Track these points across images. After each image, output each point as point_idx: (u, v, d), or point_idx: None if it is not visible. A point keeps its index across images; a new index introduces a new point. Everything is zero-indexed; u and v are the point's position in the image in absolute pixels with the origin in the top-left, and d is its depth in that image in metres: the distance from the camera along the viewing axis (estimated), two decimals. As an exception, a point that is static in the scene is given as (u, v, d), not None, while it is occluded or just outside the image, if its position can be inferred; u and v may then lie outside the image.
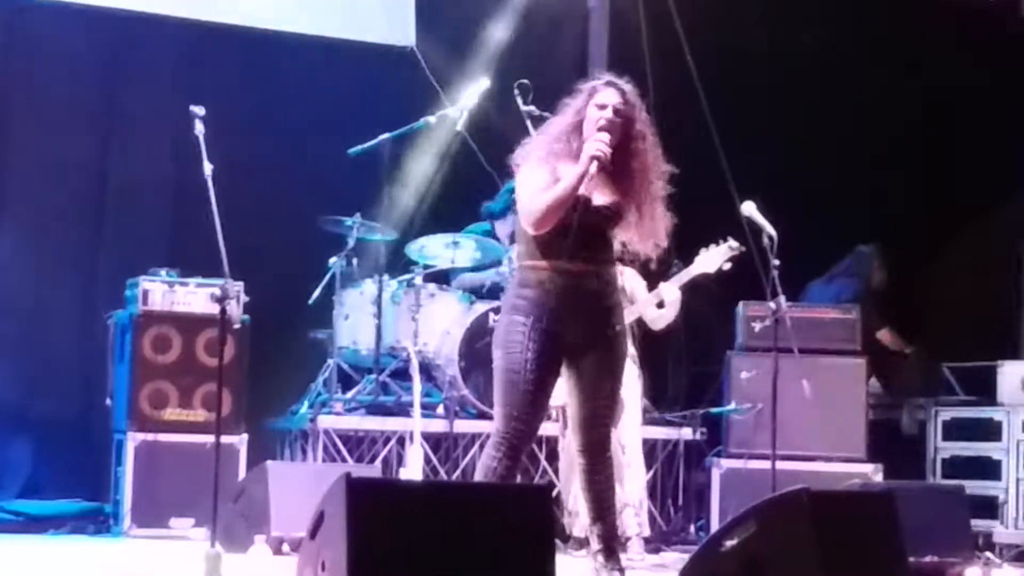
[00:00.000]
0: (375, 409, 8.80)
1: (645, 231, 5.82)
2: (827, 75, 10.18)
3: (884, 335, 10.01)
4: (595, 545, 5.90)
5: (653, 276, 8.36)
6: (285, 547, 7.19)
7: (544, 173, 5.70)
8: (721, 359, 9.06)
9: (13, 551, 7.39)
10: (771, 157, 9.87)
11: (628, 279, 7.66)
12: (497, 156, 9.62)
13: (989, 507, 8.84)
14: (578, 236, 5.61)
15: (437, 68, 9.75)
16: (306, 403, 8.92)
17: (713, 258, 7.53)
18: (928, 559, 6.97)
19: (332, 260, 8.97)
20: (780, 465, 7.15)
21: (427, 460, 8.50)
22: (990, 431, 9.12)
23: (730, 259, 7.52)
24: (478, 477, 5.81)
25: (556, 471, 8.36)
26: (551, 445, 8.47)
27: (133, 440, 8.29)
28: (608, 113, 5.72)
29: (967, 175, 10.25)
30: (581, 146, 5.71)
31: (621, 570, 5.85)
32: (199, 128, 6.29)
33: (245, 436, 8.42)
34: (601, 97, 5.77)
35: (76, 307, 9.32)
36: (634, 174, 5.77)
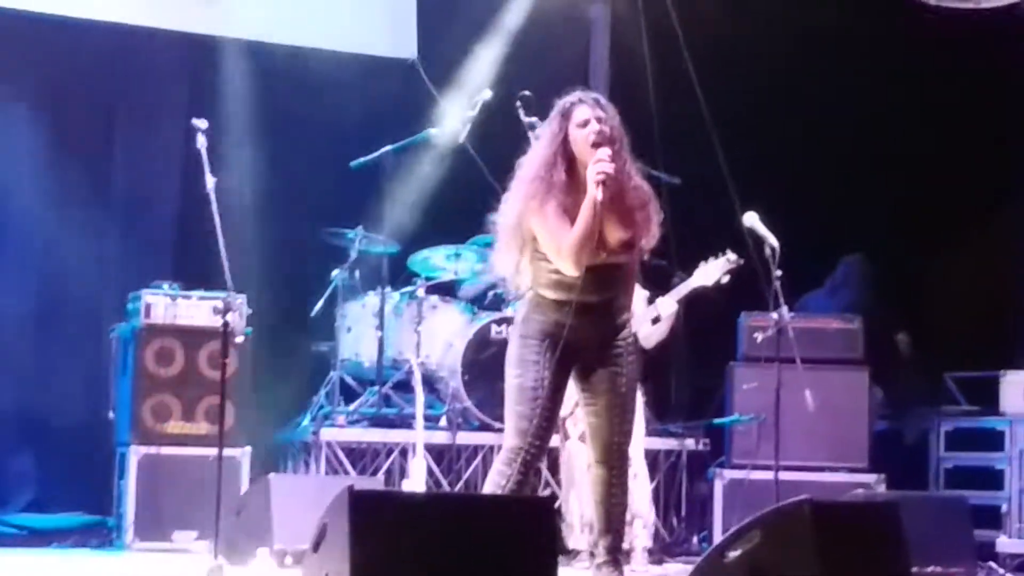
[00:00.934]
0: (378, 421, 8.81)
1: (648, 232, 5.82)
2: (828, 81, 10.17)
3: (903, 337, 10.02)
4: (600, 556, 5.89)
5: (655, 288, 8.37)
6: (288, 560, 7.17)
7: (555, 212, 5.68)
8: (723, 370, 9.06)
9: (16, 565, 7.39)
10: (774, 164, 9.87)
11: None
12: (500, 167, 9.69)
13: (992, 517, 8.82)
14: (593, 271, 5.65)
15: (439, 80, 9.75)
16: (309, 415, 8.93)
17: (711, 271, 7.53)
18: (931, 569, 6.97)
19: (334, 272, 8.98)
20: (783, 475, 7.16)
21: (430, 472, 8.49)
22: (993, 441, 9.11)
23: (728, 272, 7.52)
24: (487, 489, 5.80)
25: (559, 482, 8.34)
26: (552, 456, 8.46)
27: (136, 453, 8.29)
28: (595, 126, 5.71)
29: (971, 182, 10.24)
30: (571, 171, 5.71)
31: (625, 582, 5.86)
32: (201, 141, 6.30)
33: (248, 449, 8.42)
34: (579, 115, 5.75)
35: (79, 320, 9.33)
36: (623, 181, 5.76)
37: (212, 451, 7.43)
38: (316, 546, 4.99)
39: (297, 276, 9.23)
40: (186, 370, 8.44)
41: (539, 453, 5.77)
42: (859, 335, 9.10)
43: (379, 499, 5.45)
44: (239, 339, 8.15)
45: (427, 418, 8.54)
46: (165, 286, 8.60)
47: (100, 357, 8.91)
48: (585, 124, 5.72)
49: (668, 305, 7.69)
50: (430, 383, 8.94)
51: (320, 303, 8.94)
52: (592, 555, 6.01)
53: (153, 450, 8.31)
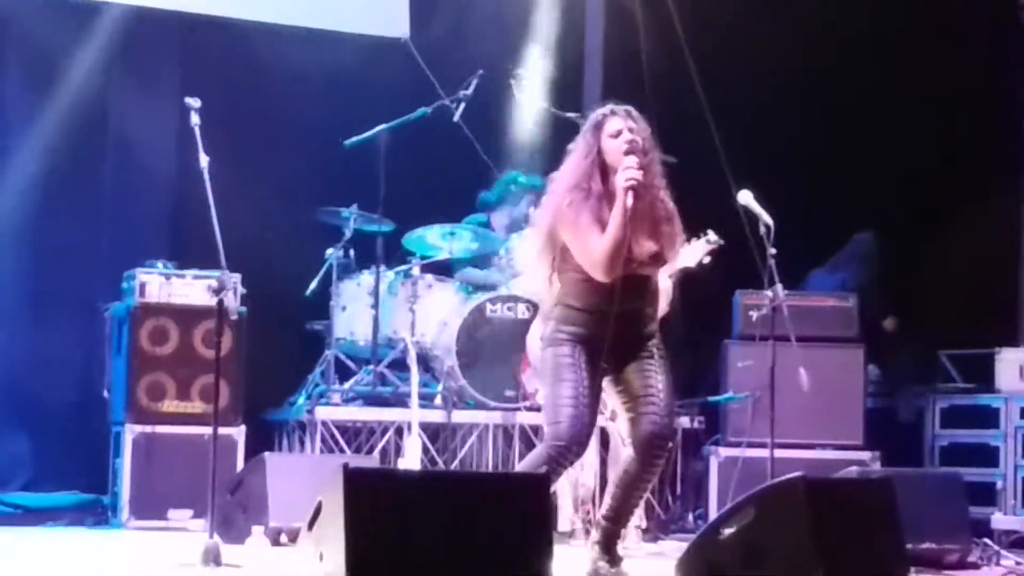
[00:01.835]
0: (373, 400, 8.81)
1: (673, 248, 5.92)
2: (825, 60, 10.16)
3: (890, 324, 10.02)
4: (597, 536, 5.90)
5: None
6: (283, 538, 7.19)
7: (589, 221, 5.72)
8: (718, 348, 9.07)
9: (11, 543, 7.38)
10: (768, 144, 9.86)
11: None
12: (493, 146, 9.70)
13: (987, 494, 8.85)
14: (623, 283, 5.70)
15: (431, 59, 9.74)
16: (304, 394, 8.93)
17: (693, 252, 7.51)
18: (926, 546, 6.97)
19: (329, 251, 8.97)
20: (778, 453, 7.16)
21: (425, 450, 8.50)
22: (988, 418, 9.13)
23: (709, 253, 7.50)
24: (526, 465, 5.81)
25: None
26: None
27: (131, 432, 8.29)
28: (627, 136, 5.77)
29: (966, 160, 10.24)
30: (605, 182, 5.76)
31: (620, 558, 5.86)
32: (195, 120, 6.29)
33: (243, 428, 8.42)
34: (611, 126, 5.82)
35: (73, 299, 9.31)
36: (654, 193, 5.83)
37: (207, 430, 7.44)
38: (311, 524, 5.00)
39: (292, 255, 9.22)
40: (181, 349, 8.43)
41: (577, 454, 5.78)
42: (854, 313, 9.10)
43: (374, 477, 5.46)
44: (234, 318, 8.14)
45: (422, 397, 8.54)
46: (160, 265, 8.59)
47: (95, 336, 8.90)
48: (618, 135, 5.79)
49: (663, 281, 7.68)
50: (425, 362, 8.94)
51: (315, 282, 8.93)
52: (587, 532, 6.01)
53: (148, 429, 8.31)
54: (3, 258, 9.16)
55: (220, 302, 6.22)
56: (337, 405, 8.73)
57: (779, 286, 7.11)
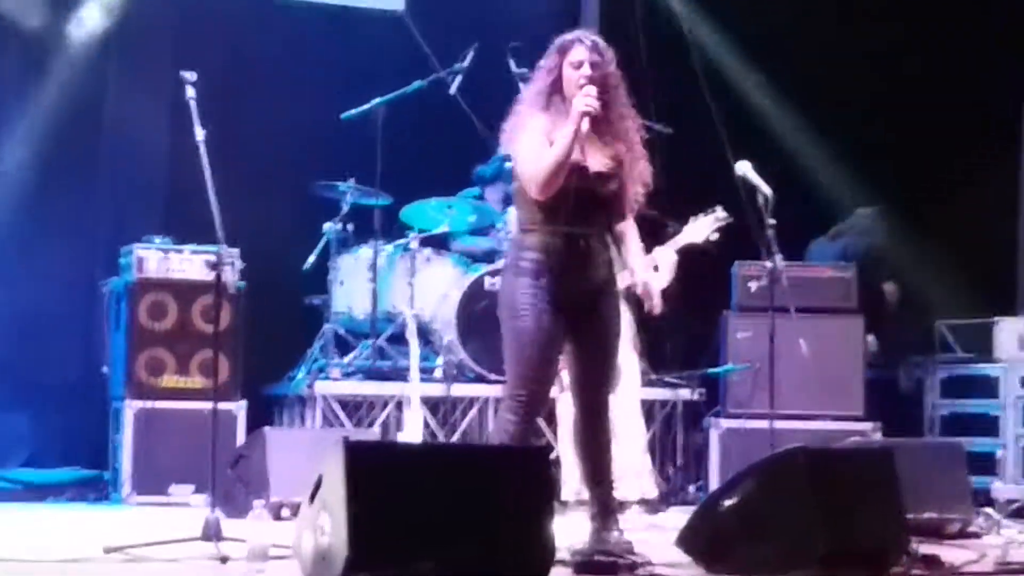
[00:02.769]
0: (372, 374, 8.81)
1: (634, 176, 5.84)
2: (822, 29, 10.14)
3: (890, 288, 10.03)
4: (593, 507, 5.90)
5: (649, 239, 8.33)
6: (284, 512, 7.20)
7: (537, 138, 5.71)
8: (718, 319, 9.06)
9: (13, 519, 7.39)
10: (766, 115, 9.85)
11: None
12: (490, 119, 9.65)
13: (987, 463, 8.85)
14: (576, 200, 5.64)
15: (428, 32, 9.70)
16: (303, 369, 8.93)
17: (701, 228, 7.51)
18: (927, 515, 6.97)
19: (327, 225, 8.97)
20: (778, 424, 7.17)
21: (425, 424, 8.50)
22: (988, 387, 9.13)
23: (717, 229, 7.48)
24: (495, 440, 5.80)
25: (555, 433, 8.34)
26: (549, 407, 8.45)
27: (131, 408, 8.29)
28: (586, 70, 5.73)
29: (965, 131, 10.21)
30: (563, 105, 5.73)
31: (620, 530, 5.86)
32: (190, 93, 6.27)
33: (243, 402, 8.43)
34: (575, 54, 5.77)
35: (72, 275, 9.30)
36: (615, 124, 5.80)
37: (207, 405, 7.45)
38: (312, 498, 5.00)
39: (289, 229, 9.21)
40: (180, 324, 8.43)
41: (542, 398, 5.77)
42: (853, 283, 9.09)
43: (374, 450, 5.48)
44: (232, 292, 8.17)
45: (422, 370, 8.53)
46: (157, 240, 8.59)
47: (93, 312, 8.89)
48: (579, 66, 5.74)
49: (666, 254, 7.67)
50: (424, 335, 8.93)
51: (313, 256, 8.93)
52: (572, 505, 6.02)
53: (148, 404, 8.32)
54: (1, 235, 9.13)
55: (218, 277, 6.21)
56: (337, 379, 8.73)
57: (778, 256, 7.09)
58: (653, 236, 7.96)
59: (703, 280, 9.27)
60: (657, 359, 9.46)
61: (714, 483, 8.53)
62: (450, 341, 8.77)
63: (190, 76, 6.31)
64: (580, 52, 5.77)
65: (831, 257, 9.70)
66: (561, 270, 5.68)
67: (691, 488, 9.04)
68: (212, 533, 5.82)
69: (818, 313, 8.67)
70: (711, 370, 9.05)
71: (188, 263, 8.47)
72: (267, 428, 7.79)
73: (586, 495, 7.74)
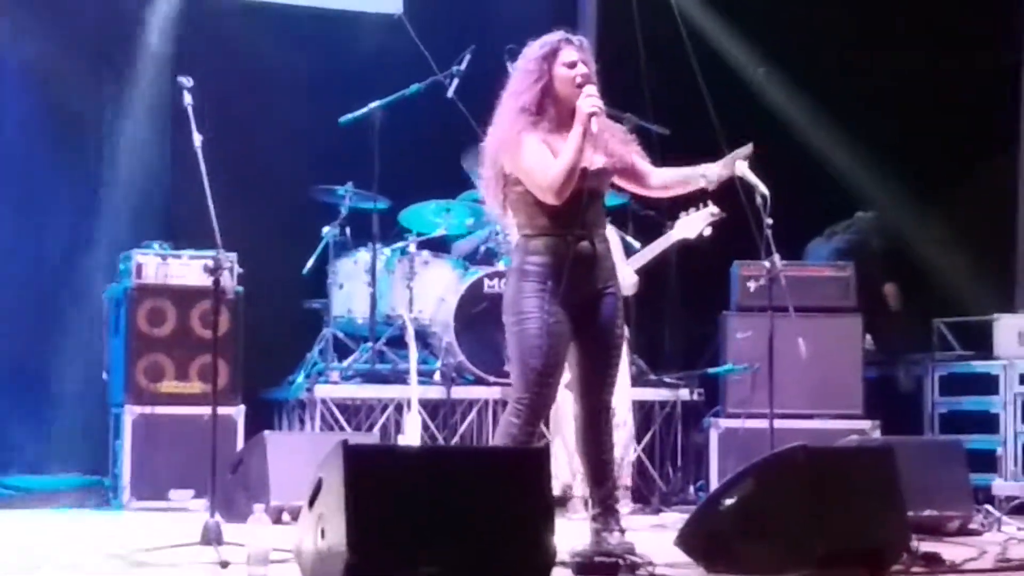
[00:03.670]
0: (372, 377, 8.81)
1: (624, 149, 5.87)
2: (818, 25, 10.14)
3: (890, 289, 10.03)
4: (594, 508, 5.90)
5: (644, 232, 8.36)
6: (285, 516, 7.18)
7: (540, 145, 5.70)
8: (717, 319, 9.06)
9: (13, 526, 7.39)
10: (764, 113, 9.85)
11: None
12: (488, 121, 9.65)
13: (988, 461, 8.85)
14: (588, 201, 5.67)
15: (425, 35, 9.71)
16: (302, 373, 8.93)
17: (693, 223, 7.49)
18: (927, 513, 6.98)
19: (325, 229, 8.97)
20: (778, 424, 7.16)
21: (425, 427, 8.51)
22: (987, 385, 9.13)
23: (710, 224, 7.48)
24: (498, 443, 5.79)
25: (546, 429, 8.33)
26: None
27: (130, 413, 8.30)
28: (582, 69, 5.74)
29: (963, 128, 10.22)
30: (557, 109, 5.72)
31: (622, 530, 5.86)
32: (188, 99, 6.28)
33: (242, 407, 8.43)
34: (566, 55, 5.77)
35: (70, 282, 9.30)
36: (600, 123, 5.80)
37: (206, 410, 7.44)
38: (312, 502, 5.00)
39: (288, 233, 9.21)
40: (178, 330, 8.43)
41: (547, 402, 5.76)
42: (852, 283, 9.10)
43: (374, 453, 5.47)
44: (231, 297, 8.15)
45: (421, 373, 8.54)
46: (155, 246, 8.59)
47: (92, 318, 8.89)
48: (572, 65, 5.75)
49: (628, 274, 7.66)
50: (423, 338, 8.94)
51: (311, 260, 8.93)
52: (587, 505, 6.01)
53: (148, 410, 8.32)
54: (0, 242, 9.14)
55: (216, 282, 6.21)
56: (336, 383, 8.74)
57: (776, 256, 7.09)
58: (652, 235, 7.99)
59: (702, 280, 9.30)
60: (656, 359, 9.48)
61: (714, 483, 8.53)
62: (448, 344, 8.78)
63: (187, 82, 6.32)
64: (572, 52, 5.78)
65: (825, 256, 9.71)
66: (569, 272, 5.68)
67: (691, 488, 9.05)
68: (212, 538, 5.82)
69: (817, 312, 8.67)
70: (711, 370, 9.05)
71: (186, 268, 8.47)
72: (267, 432, 7.78)
73: (576, 490, 7.82)
